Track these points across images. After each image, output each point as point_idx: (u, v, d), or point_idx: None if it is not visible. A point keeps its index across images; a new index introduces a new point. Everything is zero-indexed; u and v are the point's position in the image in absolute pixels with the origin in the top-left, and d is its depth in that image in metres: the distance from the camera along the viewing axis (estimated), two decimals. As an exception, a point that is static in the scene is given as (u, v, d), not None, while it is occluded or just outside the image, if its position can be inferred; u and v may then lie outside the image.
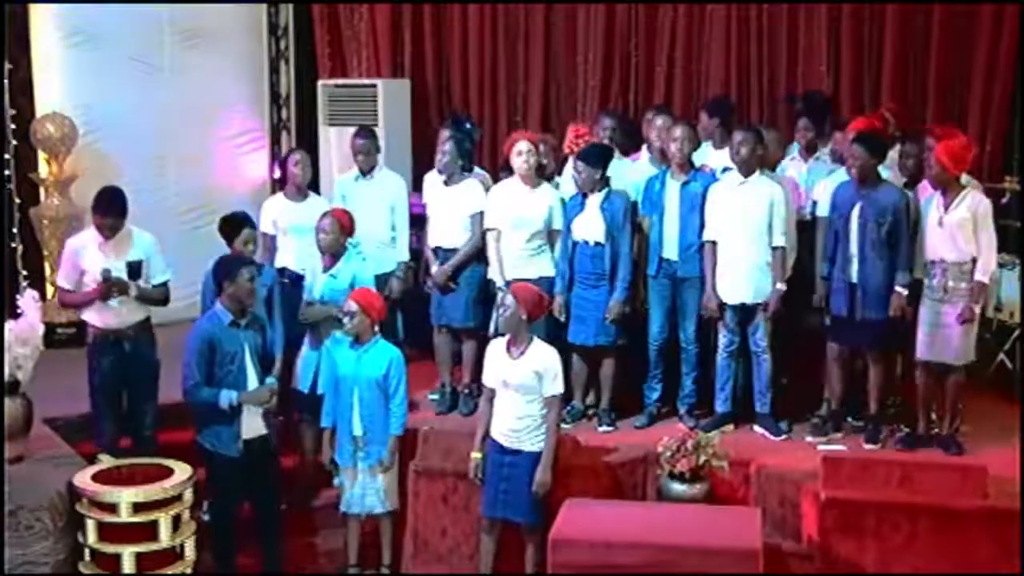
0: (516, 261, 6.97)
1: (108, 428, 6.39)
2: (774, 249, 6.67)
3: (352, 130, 7.80)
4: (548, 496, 5.88)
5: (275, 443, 6.15)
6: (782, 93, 8.67)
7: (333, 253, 6.69)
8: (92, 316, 6.36)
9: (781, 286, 6.67)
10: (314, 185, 7.90)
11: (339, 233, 6.69)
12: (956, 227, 6.32)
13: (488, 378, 6.02)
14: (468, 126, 8.07)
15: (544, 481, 5.85)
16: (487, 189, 7.29)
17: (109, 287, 6.17)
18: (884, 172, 6.70)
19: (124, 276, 6.23)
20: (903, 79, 8.42)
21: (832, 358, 6.75)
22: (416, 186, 8.17)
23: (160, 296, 6.47)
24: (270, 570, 6.20)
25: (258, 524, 6.18)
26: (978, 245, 6.33)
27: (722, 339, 6.84)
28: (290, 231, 7.18)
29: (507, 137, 7.66)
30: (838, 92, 8.54)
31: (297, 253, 7.12)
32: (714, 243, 6.75)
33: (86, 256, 6.29)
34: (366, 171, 7.53)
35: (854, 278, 6.52)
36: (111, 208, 6.25)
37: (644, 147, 7.63)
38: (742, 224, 6.67)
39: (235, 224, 6.50)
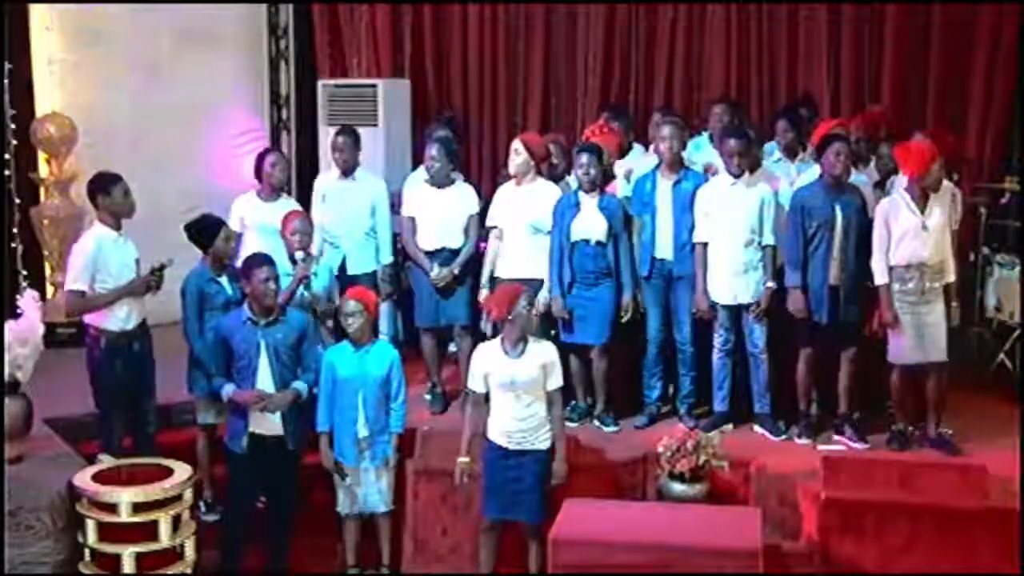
0: (521, 260, 6.97)
1: (117, 430, 6.33)
2: (764, 247, 6.68)
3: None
4: (553, 493, 5.87)
5: (295, 446, 6.10)
6: (782, 93, 8.67)
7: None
8: (114, 320, 6.20)
9: (771, 284, 6.67)
10: (311, 186, 7.90)
11: (312, 232, 6.71)
12: (940, 229, 6.35)
13: (482, 382, 5.92)
14: (451, 127, 8.13)
15: (564, 472, 5.89)
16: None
17: (156, 278, 6.19)
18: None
19: (134, 272, 6.23)
20: (903, 79, 8.43)
21: (804, 362, 6.73)
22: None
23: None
24: (275, 570, 6.20)
25: (268, 524, 6.19)
26: (950, 246, 6.41)
27: (717, 338, 6.84)
28: (257, 230, 7.09)
29: (507, 137, 7.68)
30: (838, 92, 8.55)
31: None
32: (705, 244, 6.75)
33: (103, 255, 6.17)
34: (346, 171, 7.50)
35: (834, 281, 6.52)
36: (114, 183, 6.24)
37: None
38: (734, 225, 6.67)
39: (210, 226, 6.46)
